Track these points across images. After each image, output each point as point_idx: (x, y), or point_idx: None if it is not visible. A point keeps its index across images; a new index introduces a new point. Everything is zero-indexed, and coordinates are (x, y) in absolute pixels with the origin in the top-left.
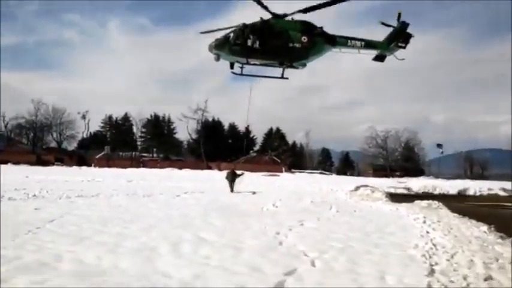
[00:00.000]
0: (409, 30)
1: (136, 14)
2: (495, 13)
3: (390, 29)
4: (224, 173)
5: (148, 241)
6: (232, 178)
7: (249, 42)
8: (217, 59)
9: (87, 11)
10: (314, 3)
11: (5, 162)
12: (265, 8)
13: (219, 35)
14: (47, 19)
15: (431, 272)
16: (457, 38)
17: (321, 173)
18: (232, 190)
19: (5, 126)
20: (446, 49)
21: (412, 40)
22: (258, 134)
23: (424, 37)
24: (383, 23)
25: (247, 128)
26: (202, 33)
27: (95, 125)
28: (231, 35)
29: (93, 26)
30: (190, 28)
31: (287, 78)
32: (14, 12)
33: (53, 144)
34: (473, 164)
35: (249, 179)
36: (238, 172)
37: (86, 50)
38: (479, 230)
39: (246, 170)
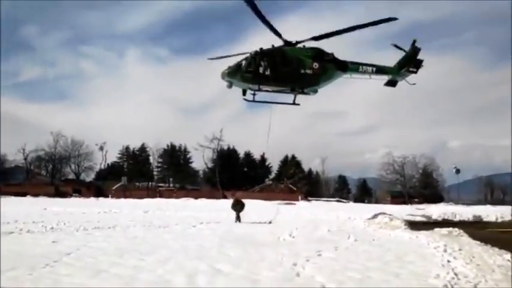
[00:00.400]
0: (423, 53)
1: (155, 44)
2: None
3: (402, 54)
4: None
5: (164, 273)
6: (240, 208)
7: (261, 69)
8: (230, 86)
9: (106, 43)
10: (325, 30)
11: (24, 195)
12: (279, 35)
13: (228, 60)
14: (66, 51)
15: None
16: (474, 60)
17: (337, 200)
18: (238, 220)
19: (25, 159)
20: (462, 72)
21: (428, 64)
22: (274, 161)
23: (441, 60)
24: (395, 45)
25: (262, 156)
26: (210, 59)
27: (112, 156)
28: (243, 62)
29: (111, 57)
30: (207, 58)
31: (298, 105)
32: (33, 45)
33: (71, 176)
34: (494, 189)
35: (264, 208)
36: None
37: (103, 81)
38: (502, 258)
39: (262, 199)
